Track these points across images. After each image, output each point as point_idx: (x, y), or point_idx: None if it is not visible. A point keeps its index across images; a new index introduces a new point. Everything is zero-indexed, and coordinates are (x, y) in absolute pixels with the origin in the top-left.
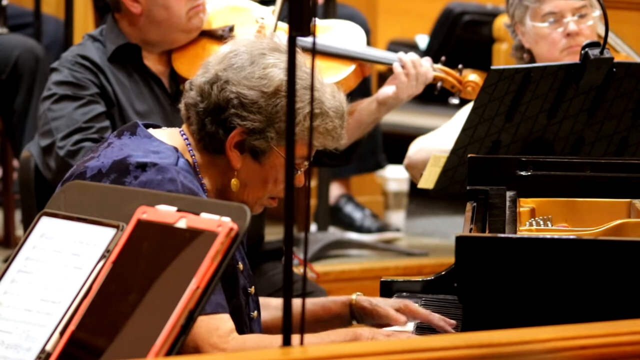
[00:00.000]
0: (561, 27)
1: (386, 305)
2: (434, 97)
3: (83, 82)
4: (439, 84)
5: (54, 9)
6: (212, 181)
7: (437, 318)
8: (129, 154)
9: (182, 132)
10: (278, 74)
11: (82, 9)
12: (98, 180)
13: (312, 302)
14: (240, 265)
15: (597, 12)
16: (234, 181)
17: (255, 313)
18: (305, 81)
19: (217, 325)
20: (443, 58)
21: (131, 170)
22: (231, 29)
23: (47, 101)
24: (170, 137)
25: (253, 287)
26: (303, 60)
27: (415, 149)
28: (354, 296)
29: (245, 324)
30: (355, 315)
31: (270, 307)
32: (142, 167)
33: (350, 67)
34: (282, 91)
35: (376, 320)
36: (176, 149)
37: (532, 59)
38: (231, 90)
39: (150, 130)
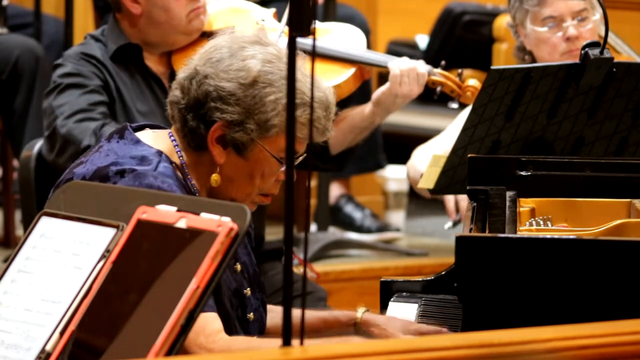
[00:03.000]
0: (561, 32)
1: (395, 330)
2: (433, 97)
3: (87, 74)
4: (438, 89)
5: (54, 9)
6: (201, 180)
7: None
8: (112, 161)
9: (170, 134)
10: (255, 64)
11: (82, 9)
12: None
13: (315, 315)
14: (238, 266)
15: (598, 15)
16: (214, 176)
17: (252, 315)
18: (284, 72)
19: (204, 325)
20: (443, 62)
21: (110, 177)
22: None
23: (51, 93)
24: (158, 140)
25: (249, 289)
26: (283, 53)
27: (420, 157)
28: (359, 314)
29: (234, 327)
30: (360, 334)
31: (272, 311)
32: (121, 173)
33: (350, 70)
34: (260, 82)
35: None
36: (161, 153)
37: (534, 61)
38: (209, 84)
39: (139, 134)
